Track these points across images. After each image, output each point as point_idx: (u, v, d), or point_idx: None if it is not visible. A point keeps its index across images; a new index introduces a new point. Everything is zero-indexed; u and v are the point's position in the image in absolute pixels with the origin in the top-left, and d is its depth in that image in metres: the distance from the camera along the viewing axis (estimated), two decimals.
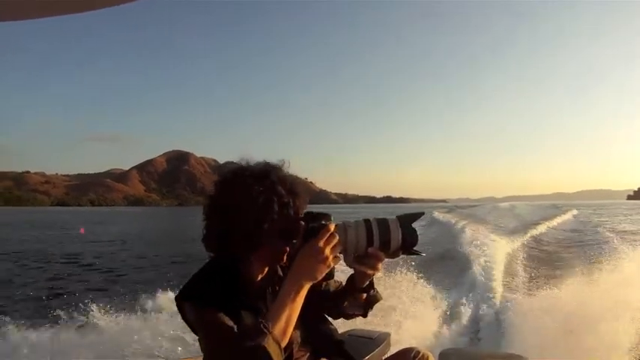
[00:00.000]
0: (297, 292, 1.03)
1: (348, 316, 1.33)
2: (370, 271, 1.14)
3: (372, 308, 1.31)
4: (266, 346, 0.96)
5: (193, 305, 1.07)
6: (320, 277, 1.05)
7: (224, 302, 1.05)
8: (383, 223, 1.08)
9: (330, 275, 1.09)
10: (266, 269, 1.17)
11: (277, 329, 1.00)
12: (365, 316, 1.32)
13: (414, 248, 1.10)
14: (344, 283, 1.29)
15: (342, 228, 1.07)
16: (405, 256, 1.13)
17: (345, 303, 1.28)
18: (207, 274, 1.11)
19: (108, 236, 21.75)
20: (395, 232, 1.07)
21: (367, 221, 1.08)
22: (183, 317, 1.12)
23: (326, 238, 1.03)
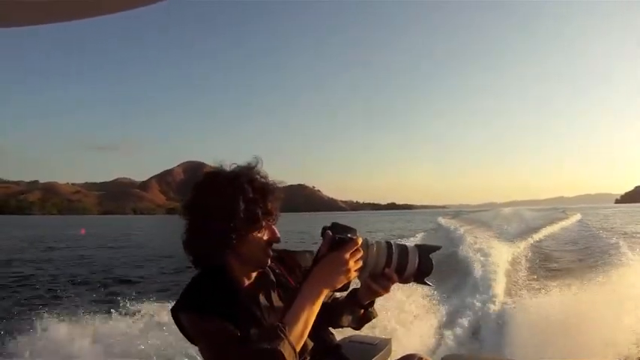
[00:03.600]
0: (317, 297, 1.02)
1: (339, 326, 1.31)
2: (381, 291, 1.13)
3: (366, 324, 1.29)
4: (282, 350, 0.94)
5: (191, 315, 1.04)
6: (338, 287, 1.05)
7: (220, 309, 1.02)
8: (403, 249, 1.09)
9: (346, 287, 1.07)
10: (253, 274, 1.15)
11: (294, 333, 0.98)
12: (358, 329, 1.31)
13: (426, 279, 1.11)
14: (344, 297, 1.26)
15: (366, 244, 1.07)
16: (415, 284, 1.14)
17: (342, 314, 1.25)
18: (198, 284, 1.10)
19: None
20: (412, 260, 1.08)
21: (389, 243, 1.09)
22: (181, 329, 1.10)
23: (352, 250, 1.03)
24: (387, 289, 1.12)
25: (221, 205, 1.05)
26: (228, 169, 1.13)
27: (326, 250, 1.04)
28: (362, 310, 1.24)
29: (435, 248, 1.12)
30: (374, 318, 1.28)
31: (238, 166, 1.13)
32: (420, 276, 1.09)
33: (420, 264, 1.08)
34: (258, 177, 1.12)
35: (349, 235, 1.05)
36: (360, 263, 1.05)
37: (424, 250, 1.10)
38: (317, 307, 1.03)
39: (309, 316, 1.01)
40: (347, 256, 1.02)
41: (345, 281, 1.04)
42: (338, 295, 1.28)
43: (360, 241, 1.05)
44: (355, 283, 1.16)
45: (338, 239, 1.04)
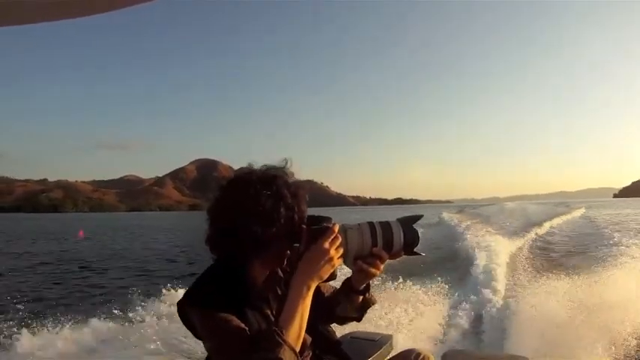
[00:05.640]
0: (307, 293, 1.01)
1: (341, 320, 1.26)
2: (373, 271, 1.09)
3: (366, 312, 1.24)
4: (282, 357, 0.92)
5: (200, 310, 0.99)
6: (326, 277, 1.03)
7: (231, 306, 0.98)
8: (385, 225, 1.07)
9: (333, 276, 1.06)
10: (268, 272, 1.11)
11: (291, 334, 0.96)
12: (359, 320, 1.25)
13: (415, 249, 1.08)
14: (339, 287, 1.22)
15: (343, 230, 1.05)
16: (406, 256, 1.11)
17: (340, 305, 1.21)
18: (211, 278, 1.05)
19: None
20: (397, 233, 1.07)
21: (371, 223, 1.08)
22: (186, 322, 1.05)
23: (331, 239, 1.02)
24: (377, 268, 1.09)
25: (261, 210, 1.00)
26: (255, 168, 1.09)
27: (305, 244, 1.03)
28: (360, 297, 1.19)
29: (417, 217, 1.11)
30: (373, 304, 1.23)
31: (270, 167, 1.08)
32: (408, 248, 1.08)
33: (405, 236, 1.07)
34: (290, 180, 1.07)
35: (324, 225, 1.04)
36: (342, 250, 1.04)
37: (406, 222, 1.09)
38: (308, 303, 1.01)
39: (303, 313, 0.99)
40: (326, 245, 1.01)
41: (331, 270, 1.03)
42: (328, 287, 1.24)
43: (336, 228, 1.03)
44: (346, 272, 1.15)
45: (314, 230, 1.03)
